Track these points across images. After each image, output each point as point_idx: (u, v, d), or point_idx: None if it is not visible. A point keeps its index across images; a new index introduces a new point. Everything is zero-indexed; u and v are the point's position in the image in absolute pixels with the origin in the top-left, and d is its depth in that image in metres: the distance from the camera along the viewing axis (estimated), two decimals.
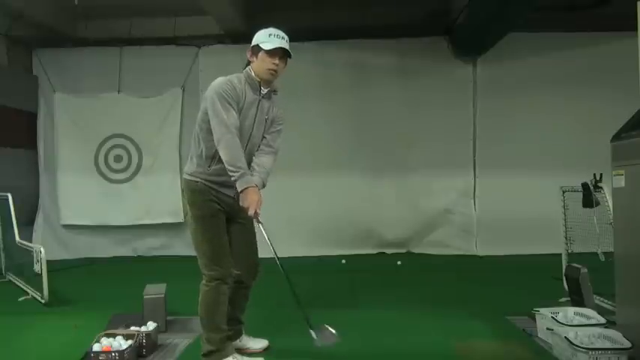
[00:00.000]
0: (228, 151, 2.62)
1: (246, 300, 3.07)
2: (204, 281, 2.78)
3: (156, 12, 6.90)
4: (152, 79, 7.03)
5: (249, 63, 2.82)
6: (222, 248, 2.79)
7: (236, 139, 2.64)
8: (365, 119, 6.89)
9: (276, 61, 2.74)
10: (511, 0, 5.11)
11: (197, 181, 2.77)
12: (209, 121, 2.67)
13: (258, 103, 2.81)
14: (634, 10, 3.03)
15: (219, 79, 2.73)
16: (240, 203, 2.66)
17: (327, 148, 6.86)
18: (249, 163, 2.77)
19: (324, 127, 6.86)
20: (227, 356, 2.77)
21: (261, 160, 2.85)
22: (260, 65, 2.75)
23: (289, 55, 2.78)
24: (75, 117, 7.13)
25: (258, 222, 2.74)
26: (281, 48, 2.72)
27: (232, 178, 2.62)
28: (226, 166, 2.62)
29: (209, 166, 2.76)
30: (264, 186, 2.80)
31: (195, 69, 7.01)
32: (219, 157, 2.68)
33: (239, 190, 2.63)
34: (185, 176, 2.85)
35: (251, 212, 2.64)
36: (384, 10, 6.67)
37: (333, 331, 2.70)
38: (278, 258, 2.74)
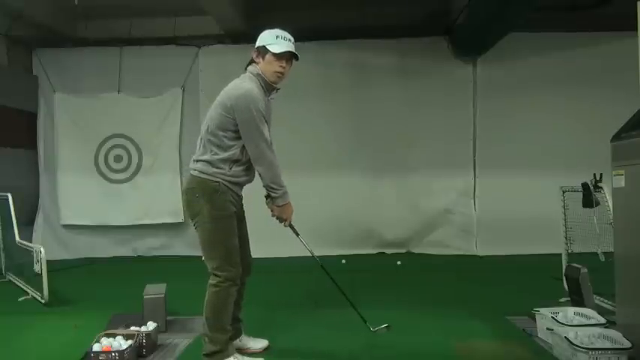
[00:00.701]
0: (272, 169, 2.78)
1: (242, 297, 3.07)
2: (214, 282, 2.76)
3: (156, 12, 6.89)
4: (152, 79, 7.02)
5: (251, 62, 2.83)
6: (235, 249, 2.79)
7: (275, 157, 2.80)
8: (365, 119, 6.89)
9: (284, 64, 2.75)
10: (511, 0, 5.11)
11: (218, 181, 2.74)
12: (235, 129, 2.69)
13: (267, 103, 2.83)
14: (635, 10, 3.02)
15: (249, 90, 2.69)
16: (277, 214, 2.91)
17: (327, 148, 6.86)
18: None
19: (324, 127, 6.86)
20: (229, 356, 2.77)
21: None
22: (267, 67, 2.76)
23: (296, 58, 2.79)
24: (75, 117, 7.13)
25: (296, 233, 3.07)
26: (289, 52, 2.73)
27: (274, 194, 2.82)
28: (268, 182, 2.79)
29: (230, 169, 2.75)
30: None
31: (195, 69, 6.98)
32: (244, 160, 2.76)
33: (280, 204, 2.85)
34: (202, 176, 2.75)
35: (287, 223, 2.95)
36: (384, 10, 6.66)
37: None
38: (321, 263, 3.12)
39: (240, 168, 2.78)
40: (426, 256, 6.73)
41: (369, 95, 6.88)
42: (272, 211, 2.93)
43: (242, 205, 2.95)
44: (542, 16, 5.67)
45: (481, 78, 6.86)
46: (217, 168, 2.75)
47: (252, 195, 3.03)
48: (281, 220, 2.94)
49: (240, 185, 2.85)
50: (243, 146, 2.73)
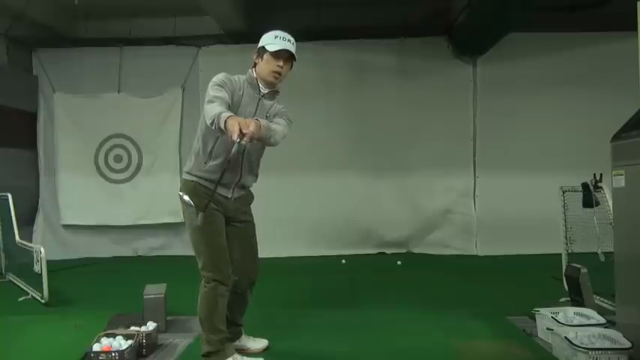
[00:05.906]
0: (208, 111, 2.50)
1: (246, 304, 3.05)
2: (202, 282, 2.78)
3: (156, 12, 6.89)
4: (152, 79, 7.02)
5: (255, 65, 2.81)
6: (219, 249, 2.78)
7: (220, 107, 2.49)
8: (365, 119, 6.89)
9: (281, 63, 2.72)
10: (511, 0, 5.11)
11: (192, 181, 2.78)
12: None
13: (258, 101, 2.80)
14: (634, 10, 3.03)
15: (218, 74, 2.74)
16: (231, 141, 2.38)
17: (327, 148, 6.86)
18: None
19: (324, 127, 6.85)
20: (227, 357, 2.77)
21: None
22: (264, 67, 2.74)
23: (294, 58, 2.77)
24: (75, 117, 7.13)
25: (240, 139, 2.34)
26: (286, 50, 2.72)
27: (214, 127, 2.46)
28: (208, 124, 2.50)
29: (205, 163, 2.75)
30: (271, 137, 2.62)
31: (195, 69, 7.01)
32: (215, 153, 2.71)
33: (222, 127, 2.38)
34: (184, 177, 2.86)
35: (234, 137, 2.32)
36: (384, 10, 6.66)
37: None
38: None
39: (217, 162, 2.72)
40: (426, 256, 6.73)
41: (368, 95, 6.88)
42: None
43: (238, 208, 2.90)
44: (542, 16, 5.67)
45: (481, 78, 6.86)
46: (196, 163, 2.79)
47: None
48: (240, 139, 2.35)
49: (222, 184, 2.72)
50: (217, 138, 2.65)
